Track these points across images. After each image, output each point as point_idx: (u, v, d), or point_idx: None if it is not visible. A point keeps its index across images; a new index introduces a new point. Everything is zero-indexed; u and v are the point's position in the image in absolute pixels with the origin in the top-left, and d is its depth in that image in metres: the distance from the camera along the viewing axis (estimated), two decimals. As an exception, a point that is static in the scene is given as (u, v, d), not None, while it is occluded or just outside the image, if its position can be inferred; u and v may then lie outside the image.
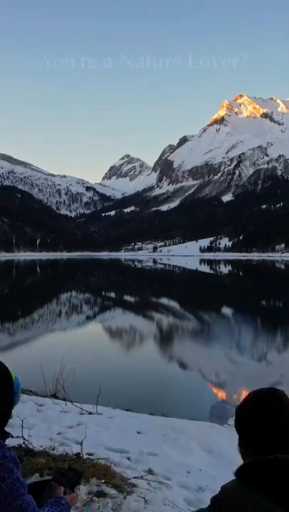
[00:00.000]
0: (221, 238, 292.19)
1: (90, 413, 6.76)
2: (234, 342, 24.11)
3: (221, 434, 6.33)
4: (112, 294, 51.55)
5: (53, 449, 5.08)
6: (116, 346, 22.56)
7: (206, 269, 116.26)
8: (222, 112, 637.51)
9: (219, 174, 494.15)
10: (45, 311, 36.70)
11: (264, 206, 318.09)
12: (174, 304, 41.23)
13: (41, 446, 5.10)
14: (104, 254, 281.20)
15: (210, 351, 21.12)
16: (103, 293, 52.83)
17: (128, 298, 47.77)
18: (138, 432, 5.94)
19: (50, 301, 43.59)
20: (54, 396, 8.33)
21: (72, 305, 39.21)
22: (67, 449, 5.12)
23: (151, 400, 12.99)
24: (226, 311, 37.32)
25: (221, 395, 14.30)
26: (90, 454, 5.03)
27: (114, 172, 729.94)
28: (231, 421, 9.75)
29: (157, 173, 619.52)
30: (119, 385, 14.72)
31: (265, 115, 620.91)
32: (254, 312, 36.14)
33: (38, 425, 6.05)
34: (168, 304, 41.31)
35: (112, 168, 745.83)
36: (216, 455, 5.34)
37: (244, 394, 13.81)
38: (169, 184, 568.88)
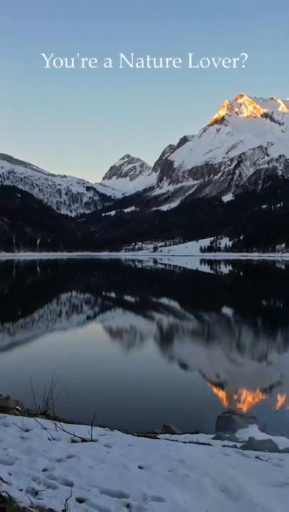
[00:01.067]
0: (221, 238, 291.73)
1: (84, 440, 5.63)
2: (236, 345, 23.64)
3: (236, 464, 5.42)
4: (112, 295, 51.28)
5: (36, 494, 4.24)
6: (114, 352, 21.74)
7: (206, 269, 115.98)
8: (222, 112, 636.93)
9: (219, 174, 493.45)
10: (40, 313, 36.41)
11: (264, 206, 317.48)
12: (175, 305, 40.99)
13: (21, 490, 4.27)
14: (105, 254, 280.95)
15: (213, 356, 20.47)
16: (103, 293, 52.58)
17: (128, 299, 47.50)
18: (140, 467, 5.02)
19: (48, 302, 43.33)
20: (44, 414, 7.39)
21: (70, 307, 38.91)
22: (52, 494, 4.26)
23: (154, 412, 12.36)
24: (228, 312, 37.04)
25: (227, 403, 13.60)
26: (80, 501, 4.19)
27: (114, 172, 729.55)
28: (239, 433, 9.46)
29: (157, 173, 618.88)
30: (118, 396, 14.00)
31: (265, 115, 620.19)
32: (255, 313, 35.85)
33: (21, 459, 5.08)
34: (168, 304, 41.07)
35: (112, 168, 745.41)
36: (234, 496, 4.46)
37: (250, 402, 13.34)
38: (169, 184, 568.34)
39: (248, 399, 14.34)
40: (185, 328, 29.00)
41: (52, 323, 30.19)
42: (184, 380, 16.58)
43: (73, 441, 5.54)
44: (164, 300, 44.74)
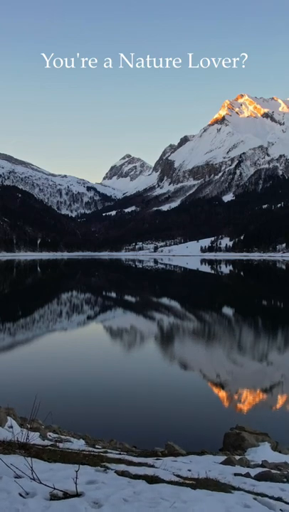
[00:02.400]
0: (221, 238, 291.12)
1: (66, 494, 4.02)
2: (241, 350, 22.83)
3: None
4: (113, 295, 50.68)
5: None
6: (112, 358, 20.52)
7: (207, 269, 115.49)
8: (223, 112, 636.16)
9: (220, 174, 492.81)
10: (38, 315, 35.86)
11: (265, 206, 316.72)
12: (176, 306, 40.39)
13: None
14: (105, 254, 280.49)
15: (217, 362, 19.30)
16: (103, 293, 52.00)
17: (129, 299, 46.89)
18: None
19: (46, 303, 42.76)
20: (23, 447, 5.75)
21: (68, 308, 38.32)
22: None
23: (155, 429, 11.36)
24: (230, 313, 36.44)
25: (234, 417, 12.31)
26: None
27: (115, 172, 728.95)
28: (250, 454, 8.56)
29: (158, 172, 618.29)
30: (117, 406, 12.83)
31: (266, 115, 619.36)
32: (257, 314, 35.27)
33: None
34: (169, 304, 40.51)
35: (112, 168, 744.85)
36: None
37: (259, 415, 12.29)
38: (169, 184, 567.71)
39: (257, 411, 13.18)
40: (187, 331, 28.37)
41: (47, 329, 29.56)
42: (187, 390, 15.76)
43: (52, 496, 3.95)
44: (165, 300, 44.14)
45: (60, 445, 8.11)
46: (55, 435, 9.46)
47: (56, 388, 14.83)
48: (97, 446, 8.91)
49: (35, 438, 7.06)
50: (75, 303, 41.11)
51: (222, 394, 15.30)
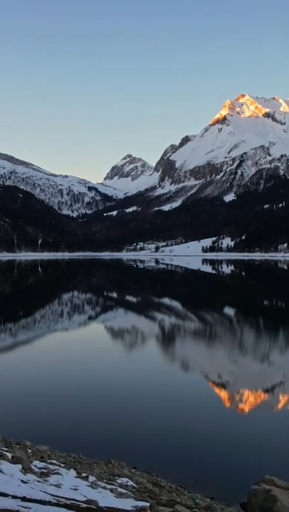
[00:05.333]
0: (223, 238, 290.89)
1: None
2: (254, 357, 22.27)
3: None
4: (114, 295, 50.68)
5: None
6: (110, 364, 19.06)
7: (208, 269, 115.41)
8: (224, 112, 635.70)
9: (221, 174, 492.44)
10: (36, 317, 35.86)
11: (266, 206, 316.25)
12: (178, 306, 40.36)
13: None
14: (106, 254, 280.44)
15: (232, 379, 16.62)
16: (104, 293, 51.99)
17: (130, 299, 46.85)
18: None
19: (46, 304, 42.78)
20: None
21: (67, 309, 38.31)
22: None
23: (155, 446, 10.07)
24: (235, 314, 36.36)
25: (261, 463, 9.26)
26: None
27: (116, 172, 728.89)
28: None
29: (159, 173, 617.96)
30: (113, 425, 11.33)
31: (267, 115, 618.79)
32: (269, 317, 35.19)
33: None
34: (170, 304, 40.47)
35: (113, 168, 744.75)
36: None
37: None
38: (171, 184, 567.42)
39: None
40: (192, 333, 28.22)
41: (45, 330, 29.52)
42: (198, 409, 13.23)
43: None
44: (166, 301, 44.05)
45: (47, 484, 6.36)
46: (42, 464, 7.58)
47: (50, 397, 14.04)
48: (90, 479, 7.38)
49: (14, 476, 5.99)
50: (76, 303, 41.09)
51: (245, 431, 11.65)
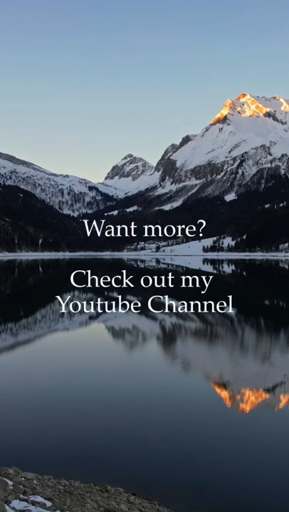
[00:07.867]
0: (224, 238, 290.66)
1: None
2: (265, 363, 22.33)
3: None
4: (114, 295, 50.30)
5: None
6: (110, 367, 18.52)
7: (209, 268, 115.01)
8: (225, 111, 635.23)
9: (222, 173, 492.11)
10: (35, 318, 35.50)
11: (267, 205, 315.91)
12: (179, 306, 40.00)
13: None
14: (107, 254, 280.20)
15: (242, 391, 15.02)
16: (104, 293, 51.61)
17: (130, 299, 46.49)
18: None
19: (45, 304, 42.47)
20: None
21: (66, 310, 37.95)
22: None
23: (155, 468, 8.91)
24: (237, 316, 35.94)
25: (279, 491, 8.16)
26: None
27: (116, 172, 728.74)
28: None
29: (160, 172, 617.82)
30: (111, 442, 10.08)
31: (268, 114, 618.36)
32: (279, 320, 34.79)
33: None
34: (171, 303, 40.14)
35: (114, 167, 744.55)
36: None
37: None
38: (171, 184, 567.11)
39: None
40: (192, 337, 27.81)
41: (42, 331, 29.14)
42: (201, 438, 10.93)
43: None
44: (166, 301, 43.65)
45: None
46: (22, 506, 5.98)
47: (40, 412, 12.75)
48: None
49: None
50: (76, 303, 40.71)
51: (260, 448, 10.40)
